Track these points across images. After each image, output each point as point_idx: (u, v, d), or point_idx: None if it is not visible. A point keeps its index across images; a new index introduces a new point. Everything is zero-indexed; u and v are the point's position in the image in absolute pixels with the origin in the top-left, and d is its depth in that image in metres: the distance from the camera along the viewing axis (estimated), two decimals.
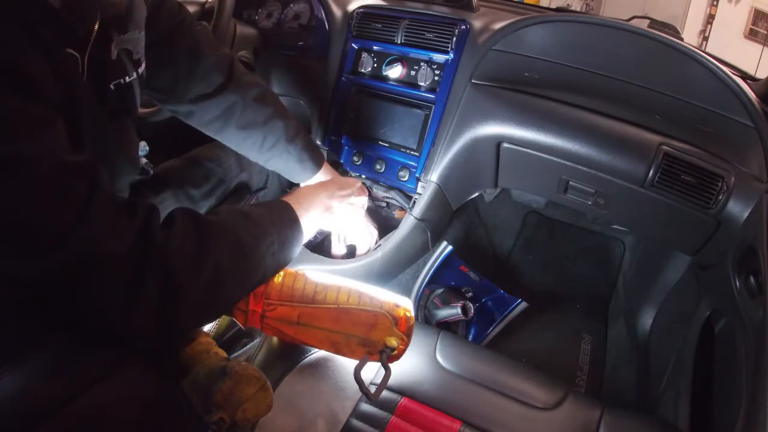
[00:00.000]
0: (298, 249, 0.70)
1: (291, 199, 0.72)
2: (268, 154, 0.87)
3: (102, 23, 0.56)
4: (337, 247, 1.01)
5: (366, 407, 0.66)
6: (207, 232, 0.53)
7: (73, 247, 0.44)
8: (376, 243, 1.01)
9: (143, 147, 0.86)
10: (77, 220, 0.44)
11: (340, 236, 1.00)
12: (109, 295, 0.47)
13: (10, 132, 0.41)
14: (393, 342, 0.62)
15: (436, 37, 1.03)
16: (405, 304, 0.65)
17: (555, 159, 0.92)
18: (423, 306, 1.11)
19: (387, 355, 0.62)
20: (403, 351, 0.64)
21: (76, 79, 0.52)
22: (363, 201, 0.90)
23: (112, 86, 0.60)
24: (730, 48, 4.56)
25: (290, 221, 0.69)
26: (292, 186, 1.20)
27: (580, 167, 0.90)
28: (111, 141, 0.63)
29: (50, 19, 0.47)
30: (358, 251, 1.00)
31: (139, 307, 0.47)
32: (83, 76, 0.54)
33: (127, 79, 0.63)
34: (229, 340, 0.89)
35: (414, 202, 1.04)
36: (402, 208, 1.10)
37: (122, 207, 0.49)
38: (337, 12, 1.14)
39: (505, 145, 0.97)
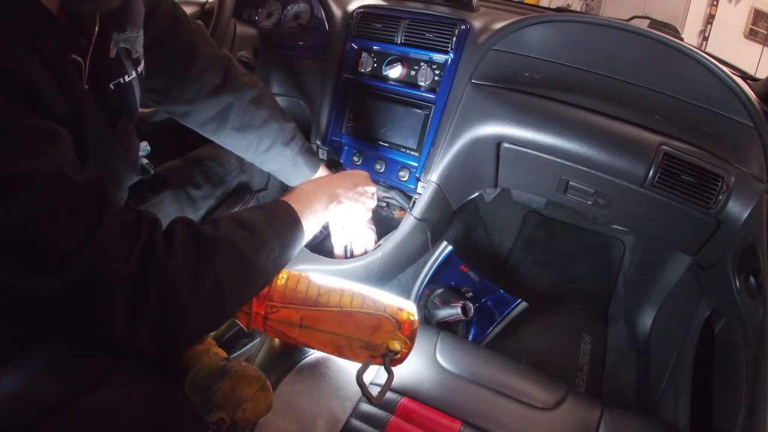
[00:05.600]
0: (300, 247, 0.70)
1: (291, 198, 0.72)
2: (263, 157, 0.87)
3: (101, 22, 0.56)
4: (338, 242, 0.99)
5: (366, 407, 0.66)
6: (207, 247, 0.53)
7: (82, 267, 0.44)
8: (375, 243, 1.01)
9: (144, 147, 0.86)
10: (86, 240, 0.44)
11: (345, 228, 0.98)
12: (112, 312, 0.47)
13: (18, 150, 0.40)
14: (396, 346, 0.62)
15: (436, 37, 1.03)
16: (408, 308, 0.65)
17: (555, 159, 0.92)
18: (423, 306, 1.11)
19: (390, 359, 0.62)
20: (407, 355, 0.64)
21: (79, 87, 0.52)
22: (373, 189, 0.89)
23: (111, 86, 0.60)
24: (730, 48, 4.55)
25: (291, 223, 0.68)
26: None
27: (580, 167, 0.90)
28: (113, 147, 0.63)
29: (51, 26, 0.46)
30: (356, 251, 1.00)
31: (141, 323, 0.47)
32: (84, 81, 0.54)
33: (127, 78, 0.62)
34: (229, 340, 0.89)
35: (414, 202, 1.04)
36: (402, 208, 1.10)
37: (129, 225, 0.48)
38: (337, 12, 1.14)
39: (505, 145, 0.97)
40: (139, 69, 0.65)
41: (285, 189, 1.20)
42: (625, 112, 0.88)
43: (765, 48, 4.52)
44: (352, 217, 0.92)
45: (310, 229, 0.72)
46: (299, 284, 0.65)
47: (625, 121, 0.87)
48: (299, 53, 1.18)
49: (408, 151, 1.07)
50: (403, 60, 1.07)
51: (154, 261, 0.48)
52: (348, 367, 0.70)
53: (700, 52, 0.87)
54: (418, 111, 1.06)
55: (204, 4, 1.13)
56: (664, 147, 0.82)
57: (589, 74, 0.92)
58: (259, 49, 1.17)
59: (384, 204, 1.14)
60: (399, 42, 1.06)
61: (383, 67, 1.08)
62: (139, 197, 0.87)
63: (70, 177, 0.44)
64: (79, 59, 0.52)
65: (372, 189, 0.89)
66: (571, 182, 0.96)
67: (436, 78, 1.04)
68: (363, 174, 0.89)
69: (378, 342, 0.62)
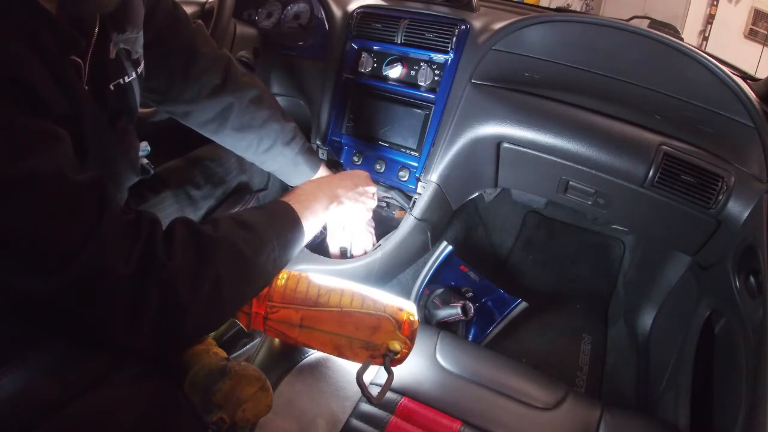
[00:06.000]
0: (300, 247, 0.70)
1: (291, 198, 0.72)
2: (263, 156, 0.87)
3: (100, 24, 0.56)
4: (338, 242, 0.99)
5: (366, 407, 0.66)
6: (207, 247, 0.53)
7: (82, 267, 0.44)
8: (373, 245, 1.01)
9: (144, 147, 0.86)
10: (87, 240, 0.44)
11: (345, 228, 0.98)
12: (112, 312, 0.47)
13: (18, 151, 0.40)
14: (396, 346, 0.62)
15: (436, 37, 1.03)
16: (408, 308, 0.65)
17: (555, 159, 0.92)
18: (423, 306, 1.11)
19: (390, 359, 0.62)
20: (406, 355, 0.64)
21: (79, 88, 0.52)
22: (373, 190, 0.89)
23: (111, 87, 0.60)
24: (730, 48, 4.55)
25: (291, 223, 0.68)
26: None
27: (580, 167, 0.90)
28: (113, 148, 0.63)
29: (50, 27, 0.46)
30: (356, 252, 1.00)
31: (141, 323, 0.47)
32: (84, 82, 0.54)
33: (127, 79, 0.62)
34: (229, 340, 0.89)
35: (414, 202, 1.04)
36: (402, 208, 1.10)
37: (129, 225, 0.49)
38: (337, 12, 1.14)
39: (505, 145, 0.97)
40: (139, 70, 0.65)
41: (285, 189, 1.19)
42: (625, 112, 0.88)
43: (765, 48, 4.52)
44: (352, 218, 0.92)
45: (310, 229, 0.72)
46: (299, 284, 0.65)
47: (625, 121, 0.87)
48: (299, 53, 1.18)
49: (408, 151, 1.07)
50: (403, 60, 1.07)
51: (154, 261, 0.48)
52: (348, 367, 0.70)
53: (700, 52, 0.87)
54: (418, 111, 1.06)
55: (204, 4, 1.13)
56: (664, 147, 0.82)
57: (589, 74, 0.92)
58: (259, 49, 1.17)
59: (384, 204, 1.14)
60: (399, 42, 1.06)
61: (383, 67, 1.08)
62: (139, 197, 0.87)
63: (69, 177, 0.44)
64: (79, 60, 0.52)
65: (372, 189, 0.89)
66: (571, 182, 0.96)
67: (436, 78, 1.04)
68: (363, 174, 0.89)
69: (378, 342, 0.62)
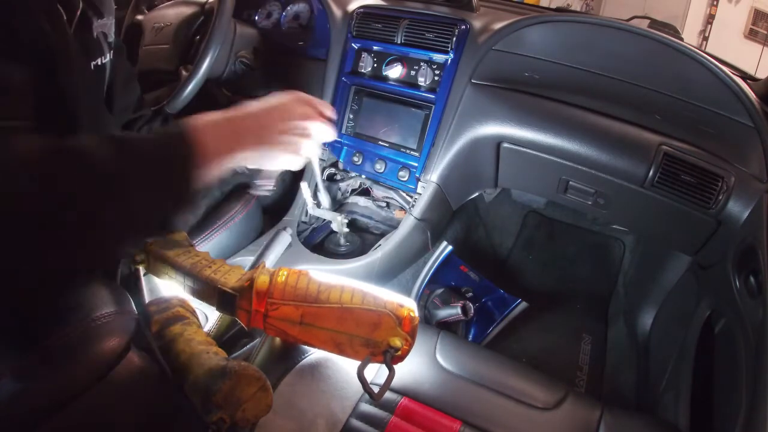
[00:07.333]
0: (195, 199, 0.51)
1: (199, 131, 0.49)
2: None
3: (82, 8, 0.58)
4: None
5: (366, 407, 0.66)
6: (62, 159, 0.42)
7: None
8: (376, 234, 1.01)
9: None
10: None
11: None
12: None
13: None
14: (397, 342, 0.62)
15: (436, 37, 1.03)
16: (409, 304, 0.65)
17: (555, 159, 0.92)
18: (423, 306, 1.11)
19: (391, 356, 0.62)
20: (407, 352, 0.64)
21: (64, 27, 0.52)
22: (313, 124, 0.63)
23: (92, 66, 0.62)
24: (730, 48, 4.56)
25: (183, 172, 0.48)
26: (293, 183, 1.20)
27: (580, 167, 0.90)
28: (96, 92, 0.65)
29: None
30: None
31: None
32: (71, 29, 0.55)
33: (103, 60, 0.65)
34: (229, 340, 0.89)
35: (414, 202, 1.04)
36: (402, 208, 1.10)
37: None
38: (337, 12, 1.14)
39: (505, 145, 0.97)
40: (111, 54, 0.67)
41: (286, 189, 1.19)
42: (625, 112, 0.88)
43: (765, 48, 4.52)
44: (286, 163, 0.64)
45: (213, 177, 0.52)
46: (299, 281, 0.65)
47: (625, 121, 0.87)
48: (299, 53, 1.18)
49: (408, 151, 1.07)
50: (403, 60, 1.07)
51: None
52: (348, 367, 0.70)
53: (700, 52, 0.87)
54: (418, 111, 1.06)
55: (204, 4, 1.13)
56: (664, 147, 0.82)
57: (589, 74, 0.92)
58: (259, 49, 1.17)
59: (384, 204, 1.14)
60: (399, 42, 1.06)
61: (383, 67, 1.08)
62: None
63: None
64: (62, 12, 0.53)
65: (312, 124, 0.62)
66: (571, 182, 0.96)
67: (436, 78, 1.04)
68: (297, 97, 0.64)
69: (378, 339, 0.62)
